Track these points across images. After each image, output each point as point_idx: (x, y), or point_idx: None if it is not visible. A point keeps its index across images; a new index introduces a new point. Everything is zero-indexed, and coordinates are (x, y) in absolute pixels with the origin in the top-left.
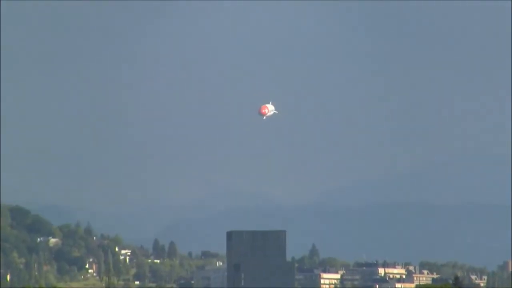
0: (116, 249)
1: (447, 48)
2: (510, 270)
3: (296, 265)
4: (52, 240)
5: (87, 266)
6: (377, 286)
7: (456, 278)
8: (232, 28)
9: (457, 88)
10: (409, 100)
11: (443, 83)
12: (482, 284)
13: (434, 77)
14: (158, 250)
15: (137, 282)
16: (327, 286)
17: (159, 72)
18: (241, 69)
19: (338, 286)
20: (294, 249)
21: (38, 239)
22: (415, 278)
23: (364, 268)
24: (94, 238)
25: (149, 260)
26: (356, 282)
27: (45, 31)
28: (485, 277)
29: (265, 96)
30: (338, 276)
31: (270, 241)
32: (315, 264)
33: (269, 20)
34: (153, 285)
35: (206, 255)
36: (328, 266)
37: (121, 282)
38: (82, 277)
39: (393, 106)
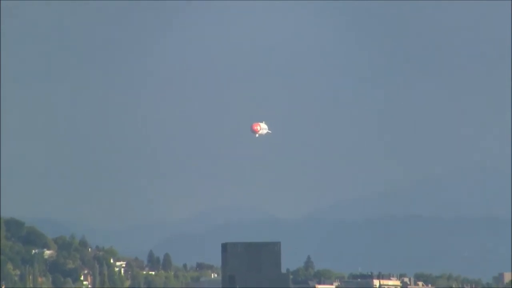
0: (111, 260)
1: (445, 59)
2: (506, 281)
3: (291, 276)
4: (47, 252)
5: (82, 278)
6: None
7: None
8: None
9: (455, 100)
10: (405, 114)
11: (441, 96)
12: None
13: (431, 90)
14: (153, 262)
15: None
16: None
17: (157, 88)
18: (237, 85)
19: None
20: (289, 261)
21: (33, 251)
22: None
23: (359, 279)
24: (89, 250)
25: (144, 272)
26: None
27: (46, 38)
28: None
29: (261, 113)
30: (333, 287)
31: (265, 253)
32: (310, 276)
33: (266, 34)
34: None
35: (201, 267)
36: (323, 278)
37: None
38: None
39: (389, 120)
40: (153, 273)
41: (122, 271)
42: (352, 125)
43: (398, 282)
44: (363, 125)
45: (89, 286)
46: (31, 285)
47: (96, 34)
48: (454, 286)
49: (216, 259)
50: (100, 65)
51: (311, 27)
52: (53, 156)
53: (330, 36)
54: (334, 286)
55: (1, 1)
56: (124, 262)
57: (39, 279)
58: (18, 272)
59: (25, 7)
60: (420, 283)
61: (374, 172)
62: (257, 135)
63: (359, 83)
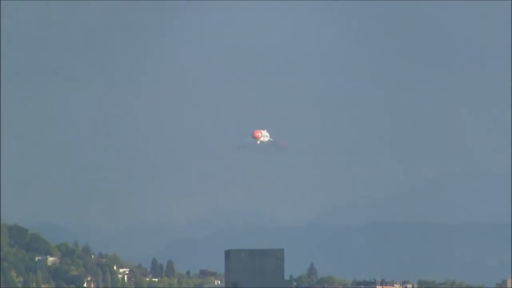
0: (114, 267)
1: (447, 63)
2: None
3: (294, 283)
4: (50, 259)
5: (85, 285)
6: None
7: None
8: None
9: (457, 106)
10: (408, 118)
11: (441, 96)
12: None
13: (431, 90)
14: (156, 269)
15: None
16: None
17: (156, 92)
18: (237, 85)
19: None
20: (290, 266)
21: (36, 258)
22: None
23: (362, 286)
24: (92, 256)
25: (147, 279)
26: None
27: (46, 38)
28: None
29: (261, 113)
30: None
31: (268, 260)
32: (313, 283)
33: (267, 40)
34: None
35: (204, 273)
36: (326, 285)
37: None
38: None
39: (392, 124)
40: (157, 280)
41: (126, 278)
42: (352, 125)
43: None
44: (363, 125)
45: None
46: None
47: (96, 34)
48: None
49: (217, 264)
50: (100, 65)
51: (311, 27)
52: (53, 156)
53: (330, 36)
54: None
55: (1, 1)
56: (128, 269)
57: (42, 286)
58: (21, 279)
59: (25, 7)
60: None
61: (377, 178)
62: (258, 141)
63: (359, 83)
